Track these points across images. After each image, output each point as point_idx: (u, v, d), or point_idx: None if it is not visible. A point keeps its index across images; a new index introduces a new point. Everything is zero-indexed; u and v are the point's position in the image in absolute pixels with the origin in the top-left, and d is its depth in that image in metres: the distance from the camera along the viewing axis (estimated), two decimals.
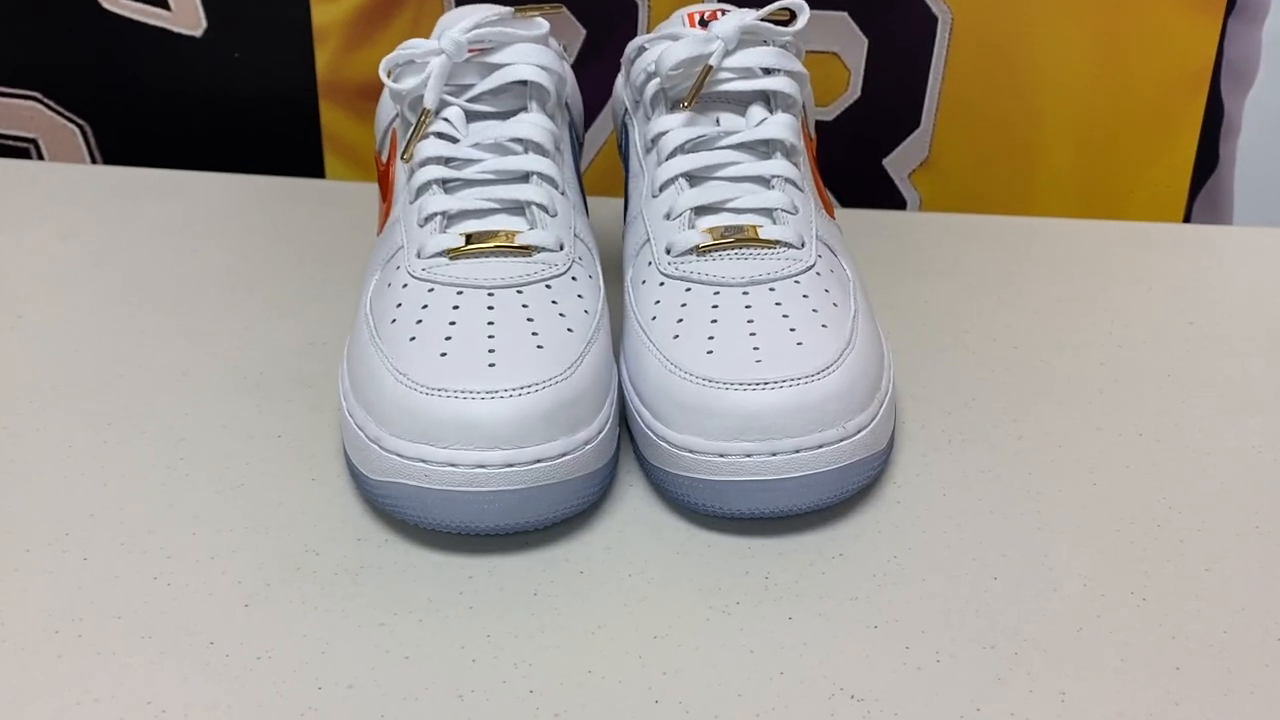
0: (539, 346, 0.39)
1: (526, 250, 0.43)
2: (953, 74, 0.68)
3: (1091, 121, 0.68)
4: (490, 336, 0.40)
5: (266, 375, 0.49)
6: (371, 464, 0.39)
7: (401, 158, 0.45)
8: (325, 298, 0.54)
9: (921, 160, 0.70)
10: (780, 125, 0.46)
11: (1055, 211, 0.70)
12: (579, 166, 0.50)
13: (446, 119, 0.46)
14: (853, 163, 0.70)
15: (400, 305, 0.42)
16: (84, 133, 0.73)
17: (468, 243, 0.43)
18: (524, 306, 0.41)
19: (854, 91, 0.69)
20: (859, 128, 0.69)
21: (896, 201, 0.71)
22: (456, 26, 0.45)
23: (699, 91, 0.46)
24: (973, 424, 0.46)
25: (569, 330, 0.41)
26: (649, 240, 0.45)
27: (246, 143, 0.73)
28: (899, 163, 0.71)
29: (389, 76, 0.46)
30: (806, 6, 0.46)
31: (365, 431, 0.39)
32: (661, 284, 0.44)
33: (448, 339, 0.40)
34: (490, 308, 0.41)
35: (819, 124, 0.59)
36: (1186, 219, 0.71)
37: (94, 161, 0.74)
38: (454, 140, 0.45)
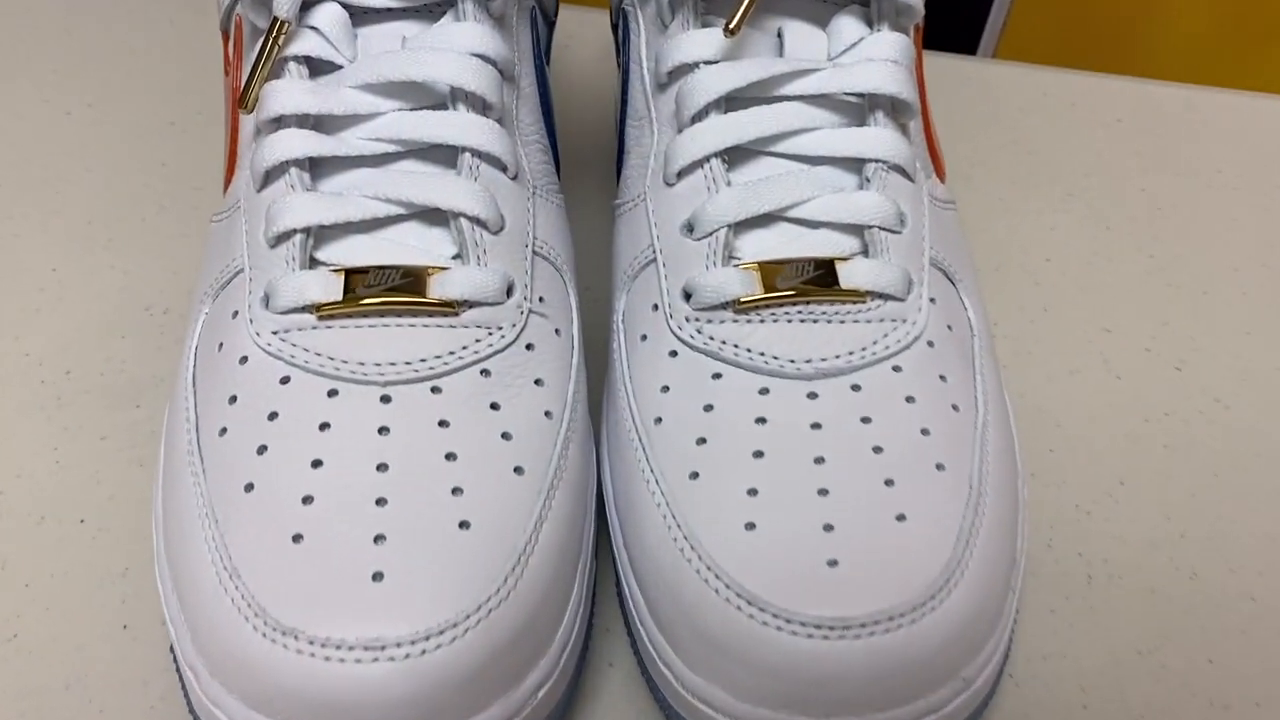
0: (462, 524, 0.21)
1: (450, 308, 0.23)
2: None
3: None
4: (380, 502, 0.21)
5: (71, 387, 0.30)
6: (192, 695, 0.22)
7: (241, 108, 0.24)
8: (182, 216, 0.34)
9: None
10: (885, 64, 0.25)
11: (1185, 18, 0.48)
12: (546, 85, 0.29)
13: (315, 27, 0.24)
14: None
15: (235, 401, 0.23)
16: None
17: (348, 291, 0.23)
18: (442, 425, 0.22)
19: None
20: None
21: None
22: None
23: (752, 5, 0.24)
24: (1123, 538, 0.28)
25: (516, 471, 0.22)
26: (656, 260, 0.25)
27: None
28: None
29: None
30: None
31: (178, 641, 0.22)
32: (674, 354, 0.24)
33: (307, 500, 0.21)
34: (384, 429, 0.22)
35: None
36: None
37: None
38: (329, 69, 0.24)
